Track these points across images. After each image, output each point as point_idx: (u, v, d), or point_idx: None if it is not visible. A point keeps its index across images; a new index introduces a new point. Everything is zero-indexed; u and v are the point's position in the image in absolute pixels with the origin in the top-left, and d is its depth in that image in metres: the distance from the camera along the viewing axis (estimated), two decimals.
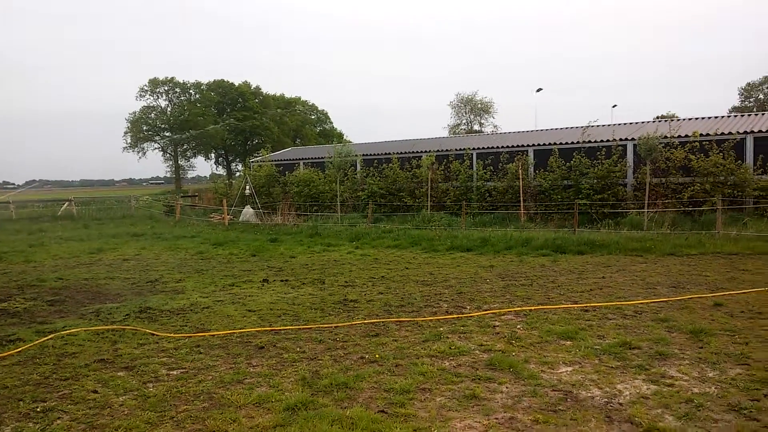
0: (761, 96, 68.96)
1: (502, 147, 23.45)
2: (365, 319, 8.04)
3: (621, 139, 20.56)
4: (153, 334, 7.52)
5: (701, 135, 19.22)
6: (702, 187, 18.07)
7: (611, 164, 19.78)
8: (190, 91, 76.93)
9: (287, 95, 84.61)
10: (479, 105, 67.18)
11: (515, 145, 23.37)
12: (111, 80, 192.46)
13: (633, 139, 20.17)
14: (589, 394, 5.09)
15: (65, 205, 34.02)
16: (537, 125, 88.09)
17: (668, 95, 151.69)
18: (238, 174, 61.18)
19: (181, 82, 75.72)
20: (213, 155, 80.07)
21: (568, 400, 4.99)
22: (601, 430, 4.40)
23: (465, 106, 67.77)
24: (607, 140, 20.81)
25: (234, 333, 7.52)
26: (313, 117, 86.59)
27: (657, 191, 18.92)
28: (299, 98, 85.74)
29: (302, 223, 22.70)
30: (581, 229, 17.36)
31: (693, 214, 17.91)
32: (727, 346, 6.34)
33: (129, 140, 74.27)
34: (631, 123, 24.92)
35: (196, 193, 41.35)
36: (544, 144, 22.50)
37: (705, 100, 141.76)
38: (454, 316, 8.12)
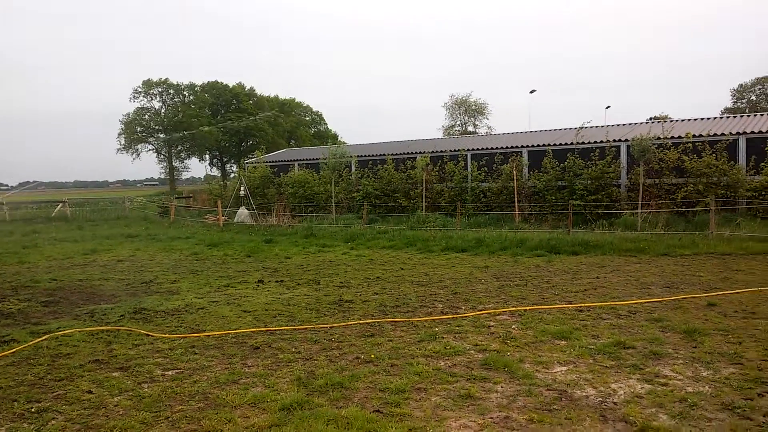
0: (753, 97, 69.41)
1: (497, 148, 23.51)
2: (360, 320, 8.05)
3: (614, 140, 20.65)
4: (148, 335, 7.50)
5: (694, 136, 19.32)
6: (695, 187, 18.16)
7: (605, 165, 19.86)
8: (184, 92, 76.90)
9: (282, 96, 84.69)
10: (473, 106, 67.35)
11: (509, 146, 23.43)
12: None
13: (626, 140, 20.26)
14: (584, 394, 5.12)
15: (59, 206, 33.92)
16: (531, 126, 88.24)
17: (663, 96, 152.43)
18: (232, 175, 61.18)
19: (175, 83, 75.66)
20: (207, 156, 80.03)
21: (563, 399, 5.01)
22: (596, 429, 4.42)
23: (459, 108, 67.92)
24: (601, 141, 20.89)
25: (229, 333, 7.51)
26: (307, 118, 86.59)
27: (650, 192, 19.01)
28: (293, 99, 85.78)
29: (297, 224, 22.68)
30: (575, 229, 17.42)
31: (686, 214, 18.00)
32: (721, 345, 6.38)
33: (123, 142, 74.18)
34: (624, 124, 25.02)
35: (191, 195, 41.25)
36: (539, 145, 22.57)
37: (697, 101, 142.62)
38: (450, 316, 8.14)
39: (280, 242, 18.09)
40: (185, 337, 7.39)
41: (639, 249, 13.85)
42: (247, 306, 9.15)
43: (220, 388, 5.48)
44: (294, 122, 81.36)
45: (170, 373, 6.01)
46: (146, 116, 75.05)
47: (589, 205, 19.56)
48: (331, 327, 7.71)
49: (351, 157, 26.64)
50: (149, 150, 76.89)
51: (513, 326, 7.48)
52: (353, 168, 26.91)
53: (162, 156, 77.51)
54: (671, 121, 25.49)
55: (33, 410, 5.09)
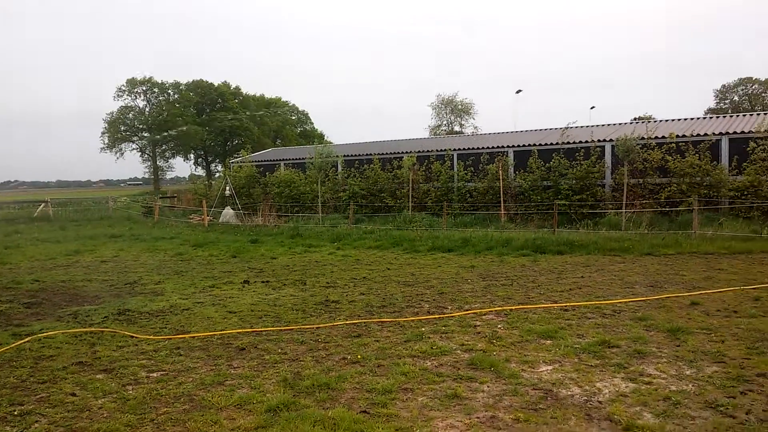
0: (736, 98, 70.28)
1: (483, 148, 23.58)
2: (347, 320, 8.04)
3: (599, 141, 20.79)
4: (132, 337, 7.44)
5: (678, 136, 19.50)
6: (678, 187, 18.34)
7: (590, 165, 19.99)
8: (169, 91, 76.27)
9: (268, 95, 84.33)
10: (459, 106, 67.57)
11: (495, 146, 23.52)
12: (92, 79, 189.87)
13: (611, 140, 20.41)
14: (569, 393, 5.15)
15: (41, 206, 33.51)
16: (516, 126, 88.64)
17: (646, 96, 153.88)
18: (217, 175, 60.75)
19: (160, 82, 75.07)
20: (192, 156, 79.53)
21: (549, 398, 5.04)
22: (581, 428, 4.45)
23: (446, 107, 68.14)
24: (586, 141, 21.03)
25: (214, 335, 7.47)
26: (293, 117, 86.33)
27: (635, 192, 19.17)
28: (279, 98, 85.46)
29: (283, 224, 22.61)
30: (561, 229, 17.52)
31: (670, 214, 18.17)
32: (704, 344, 6.45)
33: (106, 141, 73.48)
34: (609, 124, 25.21)
35: (175, 194, 40.96)
36: (524, 145, 22.67)
37: (681, 101, 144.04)
38: (436, 316, 8.15)
39: (266, 242, 18.02)
40: (170, 338, 7.34)
41: (623, 248, 13.96)
42: (232, 307, 9.10)
43: (206, 390, 5.45)
44: (280, 121, 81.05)
45: (155, 374, 5.96)
46: (130, 115, 74.41)
47: (574, 204, 19.69)
48: (317, 328, 7.69)
49: (337, 156, 26.59)
50: (133, 149, 76.34)
51: (499, 326, 7.51)
52: (339, 168, 26.87)
53: (146, 155, 76.93)
54: (655, 121, 25.73)
55: (16, 413, 5.03)
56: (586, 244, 14.59)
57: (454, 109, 67.83)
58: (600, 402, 4.92)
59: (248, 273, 12.52)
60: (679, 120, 23.49)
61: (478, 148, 23.69)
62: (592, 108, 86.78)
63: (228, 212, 25.82)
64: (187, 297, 10.03)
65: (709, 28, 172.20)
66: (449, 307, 8.69)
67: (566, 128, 22.97)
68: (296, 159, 29.87)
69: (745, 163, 18.03)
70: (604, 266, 12.13)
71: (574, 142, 21.29)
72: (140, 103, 75.49)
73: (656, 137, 19.77)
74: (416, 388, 5.36)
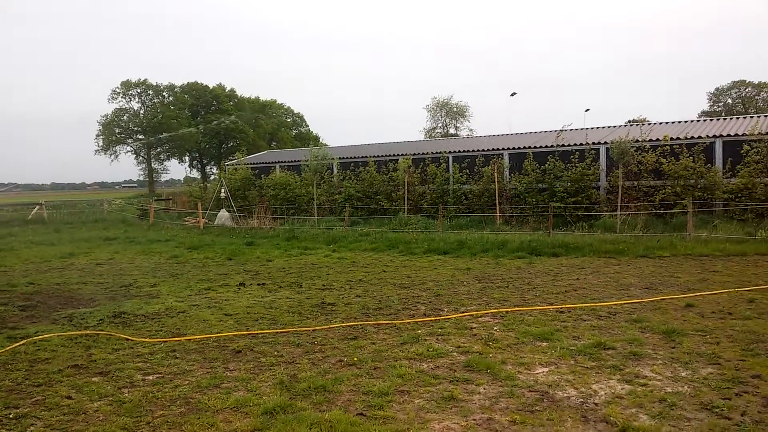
0: (730, 100, 70.58)
1: (478, 150, 23.64)
2: (343, 323, 8.03)
3: (594, 143, 20.86)
4: (128, 339, 7.42)
5: (672, 139, 19.60)
6: (673, 190, 18.43)
7: (585, 168, 20.07)
8: (164, 93, 76.14)
9: (263, 98, 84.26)
10: (455, 108, 67.61)
11: (491, 148, 23.57)
12: (88, 81, 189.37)
13: (606, 142, 20.48)
14: (565, 395, 5.16)
15: (36, 209, 33.41)
16: (511, 129, 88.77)
17: (640, 99, 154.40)
18: (212, 177, 60.76)
19: (154, 84, 74.93)
20: (187, 158, 79.37)
21: (545, 400, 5.05)
22: (577, 429, 4.46)
23: (441, 110, 68.14)
24: (581, 144, 21.10)
25: (210, 337, 7.45)
26: (289, 120, 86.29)
27: (629, 194, 19.24)
28: (275, 101, 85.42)
29: (279, 226, 22.59)
30: (556, 231, 17.57)
31: (664, 216, 18.24)
32: (699, 346, 6.47)
33: (101, 143, 73.29)
34: (603, 127, 25.31)
35: (170, 197, 40.88)
36: (519, 147, 22.73)
37: (675, 104, 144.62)
38: (432, 318, 8.16)
39: (262, 245, 18.00)
40: (166, 341, 7.32)
41: (618, 251, 14.00)
42: (228, 309, 9.09)
43: (202, 393, 5.44)
44: (275, 124, 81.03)
45: (151, 377, 5.95)
46: (125, 117, 74.21)
47: (569, 207, 19.75)
48: (313, 330, 7.69)
49: (333, 159, 26.61)
50: (128, 152, 76.16)
51: (495, 328, 7.52)
52: (335, 170, 26.88)
53: (141, 158, 76.74)
54: (649, 124, 25.85)
55: (11, 416, 5.01)
56: (582, 246, 14.63)
57: (449, 111, 67.87)
58: (596, 404, 4.93)
59: (244, 275, 12.50)
60: (673, 123, 23.61)
61: (473, 151, 23.74)
62: (586, 111, 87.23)
63: (223, 215, 25.79)
64: (182, 300, 10.00)
65: (704, 31, 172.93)
66: (445, 310, 8.70)
67: (561, 131, 23.06)
68: (292, 161, 29.86)
69: (738, 166, 18.13)
70: (600, 268, 12.16)
71: (569, 145, 21.35)
72: (135, 105, 75.38)
73: (650, 140, 19.87)
74: (413, 390, 5.36)
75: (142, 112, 75.06)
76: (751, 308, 8.15)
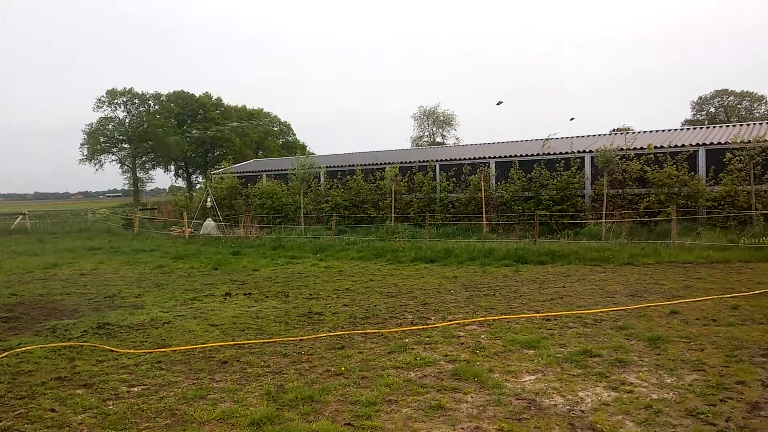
0: (712, 109, 71.56)
1: (465, 159, 23.74)
2: (330, 332, 8.01)
3: (579, 152, 21.03)
4: (112, 351, 7.34)
5: (656, 147, 19.80)
6: (657, 197, 18.61)
7: (570, 176, 20.22)
8: (149, 102, 75.75)
9: (250, 106, 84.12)
10: (441, 117, 67.96)
11: (477, 157, 23.69)
12: (71, 90, 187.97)
13: (591, 151, 20.66)
14: (552, 402, 5.17)
15: (19, 218, 33.02)
16: (496, 137, 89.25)
17: (624, 107, 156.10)
18: (198, 186, 60.41)
19: (140, 93, 74.56)
20: (172, 167, 78.94)
21: (532, 408, 5.06)
22: None
23: (428, 119, 68.47)
24: (566, 152, 21.26)
25: (196, 348, 7.39)
26: (275, 128, 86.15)
27: (614, 202, 19.41)
28: (261, 110, 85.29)
29: (265, 235, 22.51)
30: (542, 239, 17.66)
31: (649, 224, 18.41)
32: (684, 352, 6.53)
33: (85, 152, 72.73)
34: (588, 135, 25.51)
35: (156, 206, 40.61)
36: (506, 156, 22.86)
37: (658, 112, 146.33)
38: (419, 327, 8.16)
39: (248, 254, 17.92)
40: (151, 352, 7.25)
41: (603, 258, 14.10)
42: (214, 320, 9.02)
43: (188, 404, 5.39)
44: (262, 132, 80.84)
45: (136, 389, 5.89)
46: (110, 126, 73.73)
47: (555, 215, 19.87)
48: (300, 340, 7.65)
49: (320, 167, 26.60)
50: (113, 161, 75.64)
51: (482, 336, 7.53)
52: (322, 179, 26.86)
53: (126, 167, 76.23)
54: (634, 132, 26.13)
55: None
56: (567, 254, 14.71)
57: (435, 120, 68.22)
58: (582, 411, 4.95)
59: (230, 285, 12.43)
60: (657, 131, 23.86)
61: (460, 159, 23.85)
62: (571, 119, 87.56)
63: (209, 224, 25.66)
64: (167, 310, 9.92)
65: (685, 40, 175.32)
66: (433, 318, 8.70)
67: (547, 139, 23.23)
68: (278, 170, 29.81)
69: (721, 174, 18.35)
70: (585, 276, 12.23)
71: (554, 153, 21.51)
72: (120, 114, 74.94)
73: (635, 148, 20.06)
74: (400, 399, 5.35)
75: (127, 120, 74.65)
76: (734, 315, 8.24)
